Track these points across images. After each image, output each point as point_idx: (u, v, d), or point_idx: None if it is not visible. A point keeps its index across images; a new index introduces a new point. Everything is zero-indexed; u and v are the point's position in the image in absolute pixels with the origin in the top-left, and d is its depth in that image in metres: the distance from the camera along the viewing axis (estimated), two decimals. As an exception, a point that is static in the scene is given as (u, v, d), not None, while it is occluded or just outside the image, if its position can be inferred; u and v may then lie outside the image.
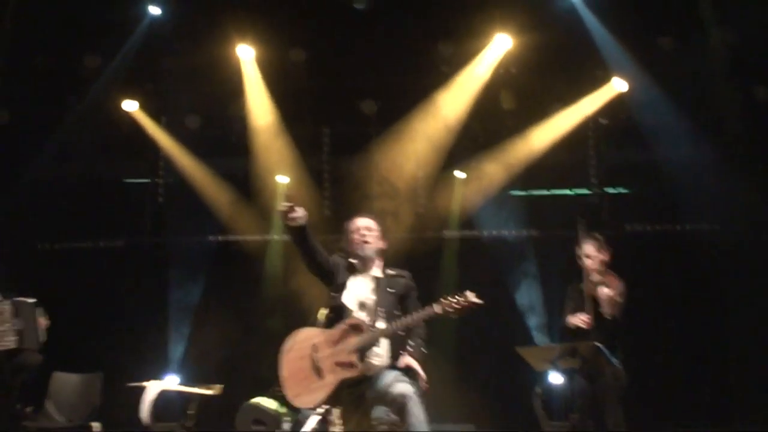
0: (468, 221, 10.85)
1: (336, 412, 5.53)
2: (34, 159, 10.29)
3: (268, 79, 10.20)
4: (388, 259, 5.74)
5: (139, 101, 10.38)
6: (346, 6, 9.82)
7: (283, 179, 10.61)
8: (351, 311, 5.39)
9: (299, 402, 5.38)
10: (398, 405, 5.10)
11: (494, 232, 10.81)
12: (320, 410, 7.90)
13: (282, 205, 5.25)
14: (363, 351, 5.25)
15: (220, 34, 9.82)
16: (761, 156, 9.66)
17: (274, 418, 8.73)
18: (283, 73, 10.21)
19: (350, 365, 5.18)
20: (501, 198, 10.53)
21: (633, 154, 10.57)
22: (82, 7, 9.78)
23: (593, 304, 6.58)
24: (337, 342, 5.25)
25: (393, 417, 5.19)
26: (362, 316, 5.37)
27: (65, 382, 7.59)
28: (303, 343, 5.34)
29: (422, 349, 5.44)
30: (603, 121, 10.36)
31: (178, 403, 8.09)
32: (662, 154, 10.02)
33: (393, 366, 5.34)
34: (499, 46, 9.73)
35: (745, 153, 9.81)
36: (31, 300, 7.91)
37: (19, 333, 7.67)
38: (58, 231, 10.90)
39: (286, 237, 10.37)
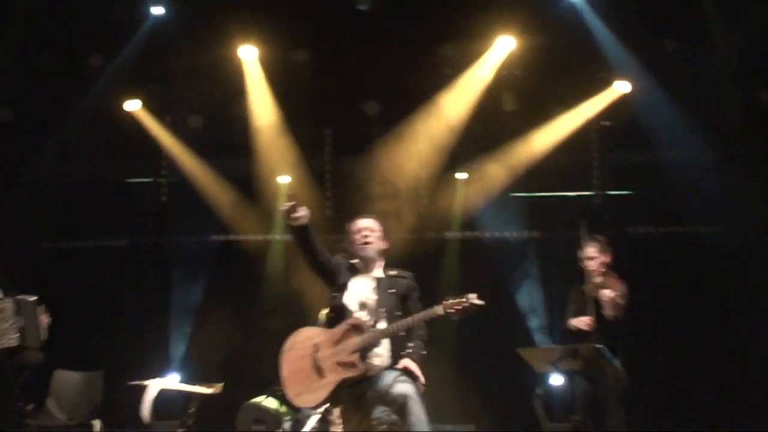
0: (470, 222, 10.85)
1: (336, 412, 5.54)
2: (37, 158, 10.29)
3: (271, 80, 10.19)
4: (390, 259, 5.74)
5: (142, 101, 10.39)
6: (349, 7, 9.83)
7: (284, 179, 10.62)
8: (352, 311, 5.39)
9: (300, 401, 5.38)
10: (399, 405, 5.10)
11: (496, 234, 10.81)
12: (321, 410, 7.96)
13: (284, 204, 5.26)
14: (364, 351, 5.26)
15: (222, 34, 9.82)
16: (764, 158, 9.65)
17: (275, 418, 8.73)
18: (286, 73, 10.21)
19: (351, 365, 5.19)
20: (503, 199, 10.53)
21: (635, 156, 10.58)
22: (85, 6, 9.79)
23: (595, 306, 6.58)
24: (338, 342, 5.26)
25: (393, 417, 5.19)
26: (363, 316, 5.37)
27: (66, 380, 7.60)
28: (304, 343, 5.35)
29: (422, 351, 5.43)
30: (606, 123, 10.36)
31: (179, 401, 8.10)
32: (665, 156, 10.02)
33: (393, 366, 5.33)
34: (501, 48, 9.73)
35: (747, 155, 9.82)
36: (32, 298, 7.92)
37: (21, 331, 7.68)
38: (60, 230, 10.91)
39: (287, 237, 10.40)
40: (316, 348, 5.28)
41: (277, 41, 9.95)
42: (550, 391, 7.87)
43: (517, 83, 10.10)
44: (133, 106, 10.35)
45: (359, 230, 5.62)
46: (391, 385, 5.15)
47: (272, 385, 8.43)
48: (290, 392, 5.34)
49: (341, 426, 5.49)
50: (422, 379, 5.27)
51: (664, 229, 10.54)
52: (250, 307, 10.54)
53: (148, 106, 10.45)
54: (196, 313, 10.68)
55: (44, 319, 8.01)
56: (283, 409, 8.67)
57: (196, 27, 9.98)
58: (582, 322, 6.59)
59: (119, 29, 10.02)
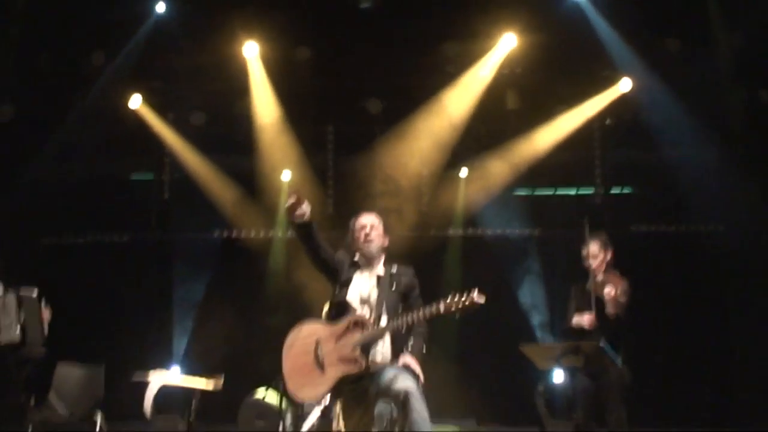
0: (472, 220, 10.88)
1: (338, 408, 5.55)
2: (39, 155, 10.31)
3: (273, 78, 10.21)
4: (392, 257, 5.75)
5: (144, 98, 10.40)
6: (352, 5, 9.85)
7: (286, 176, 10.65)
8: (354, 307, 5.40)
9: (301, 395, 5.40)
10: (400, 400, 5.11)
11: (498, 231, 10.83)
12: (322, 406, 7.97)
13: (288, 200, 5.27)
14: (366, 347, 5.27)
15: (224, 32, 9.84)
16: (765, 158, 9.66)
17: (277, 414, 8.76)
18: (288, 71, 10.22)
19: (353, 361, 5.20)
20: (505, 197, 10.55)
21: (637, 155, 10.59)
22: (87, 4, 9.81)
23: (597, 304, 6.59)
24: (340, 337, 5.27)
25: (395, 412, 5.20)
26: (365, 312, 5.39)
27: (68, 373, 7.61)
28: (307, 338, 5.36)
29: (422, 348, 5.43)
30: (608, 121, 10.37)
31: (180, 396, 8.11)
32: (666, 154, 10.04)
33: (394, 363, 5.35)
34: (504, 46, 9.74)
35: (748, 155, 9.83)
36: (34, 293, 7.94)
37: (23, 326, 7.71)
38: (63, 226, 10.94)
39: (290, 234, 10.43)
40: (319, 343, 5.30)
41: (280, 39, 9.97)
42: (551, 388, 7.89)
43: (519, 81, 10.12)
44: (135, 103, 10.36)
45: (361, 226, 5.62)
46: (392, 381, 5.16)
47: (274, 379, 8.46)
48: (291, 386, 5.36)
49: (342, 421, 5.50)
50: (422, 376, 5.27)
51: (665, 227, 10.56)
52: (252, 304, 10.57)
53: (150, 103, 10.47)
54: (198, 308, 10.72)
55: (46, 314, 8.03)
56: (285, 404, 8.70)
57: (197, 25, 9.99)
58: (583, 319, 6.60)
59: (121, 27, 10.04)
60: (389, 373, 5.23)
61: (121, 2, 9.92)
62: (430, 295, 5.44)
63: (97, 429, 7.13)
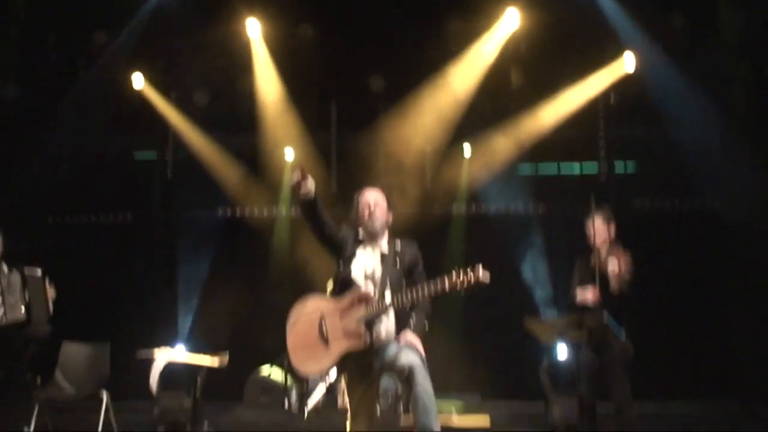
0: (475, 196, 10.88)
1: (342, 383, 5.56)
2: (44, 134, 10.32)
3: (276, 56, 10.19)
4: (396, 233, 5.74)
5: (147, 77, 10.39)
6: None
7: (289, 155, 10.66)
8: (359, 283, 5.40)
9: (305, 369, 5.39)
10: (405, 375, 5.12)
11: (501, 207, 10.83)
12: (327, 382, 8.01)
13: (293, 176, 5.26)
14: (370, 322, 5.27)
15: (227, 10, 9.83)
16: (770, 134, 9.66)
17: (282, 390, 8.80)
18: (291, 49, 10.21)
19: (358, 336, 5.20)
20: (509, 173, 10.54)
21: (642, 131, 10.56)
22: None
23: (600, 279, 6.59)
24: (345, 312, 5.27)
25: (400, 388, 5.22)
26: (369, 288, 5.38)
27: (74, 352, 7.64)
28: (311, 313, 5.36)
29: (424, 325, 5.43)
30: (613, 97, 10.34)
31: (186, 373, 8.15)
32: (671, 131, 10.01)
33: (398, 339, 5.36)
34: (508, 22, 9.69)
35: (754, 131, 9.81)
36: (38, 272, 7.96)
37: (28, 305, 7.75)
38: (67, 206, 10.96)
39: (293, 211, 10.45)
40: (323, 318, 5.30)
41: (283, 17, 9.95)
42: (556, 363, 7.92)
43: (523, 57, 10.07)
44: (138, 83, 10.35)
45: (365, 202, 5.59)
46: (397, 356, 5.17)
47: (279, 355, 8.51)
48: (296, 360, 5.35)
49: (347, 397, 5.52)
50: (423, 353, 5.27)
51: (669, 203, 10.55)
52: (256, 281, 10.61)
53: (153, 82, 10.46)
54: (202, 287, 10.75)
55: (51, 293, 8.06)
56: (290, 380, 8.74)
57: (199, 3, 9.97)
58: (587, 294, 6.59)
59: (126, 5, 10.03)
60: (394, 349, 5.23)
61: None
62: (434, 271, 5.43)
63: (103, 407, 7.15)
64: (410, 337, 5.30)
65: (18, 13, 10.21)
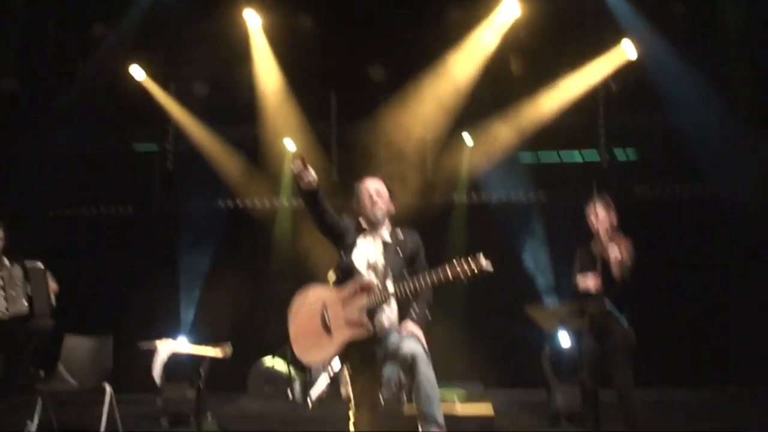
0: (476, 185, 10.87)
1: (345, 373, 5.57)
2: (43, 127, 10.32)
3: (276, 46, 10.18)
4: (397, 222, 5.74)
5: (147, 69, 10.38)
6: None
7: (290, 145, 10.65)
8: (360, 272, 5.40)
9: (308, 358, 5.41)
10: (408, 364, 5.13)
11: (503, 196, 10.83)
12: (330, 371, 8.01)
13: (295, 165, 5.25)
14: (372, 311, 5.27)
15: (226, 0, 9.80)
16: (772, 119, 9.65)
17: (286, 379, 8.82)
18: (290, 39, 10.19)
19: (360, 324, 5.21)
20: (510, 162, 10.53)
21: (642, 117, 10.54)
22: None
23: (602, 266, 6.59)
24: (347, 301, 5.27)
25: (403, 376, 5.22)
26: (371, 277, 5.38)
27: (77, 345, 7.64)
28: (313, 302, 5.37)
29: (426, 314, 5.44)
30: (613, 84, 10.31)
31: (189, 364, 8.17)
32: (672, 117, 10.00)
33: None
34: (508, 10, 9.67)
35: (754, 117, 9.79)
36: (40, 265, 7.97)
37: (30, 298, 7.76)
38: (68, 199, 10.97)
39: (295, 202, 10.45)
40: (325, 307, 5.31)
41: (281, 6, 9.94)
42: (557, 350, 7.92)
43: (524, 45, 10.05)
44: (139, 74, 10.34)
45: (367, 191, 5.59)
46: (399, 345, 5.18)
47: (281, 346, 8.52)
48: (298, 350, 5.37)
49: (350, 386, 5.52)
50: (424, 342, 5.27)
51: (670, 190, 10.55)
52: (258, 271, 10.61)
53: (152, 73, 10.45)
54: (204, 279, 10.76)
55: (53, 286, 8.07)
56: (294, 370, 8.76)
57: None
58: (589, 281, 6.59)
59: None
60: (396, 338, 5.24)
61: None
62: (435, 260, 5.43)
63: (106, 400, 7.16)
64: (412, 326, 5.30)
65: (17, 6, 10.19)
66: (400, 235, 5.57)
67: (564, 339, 7.87)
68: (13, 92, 10.32)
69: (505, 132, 10.24)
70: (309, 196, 5.34)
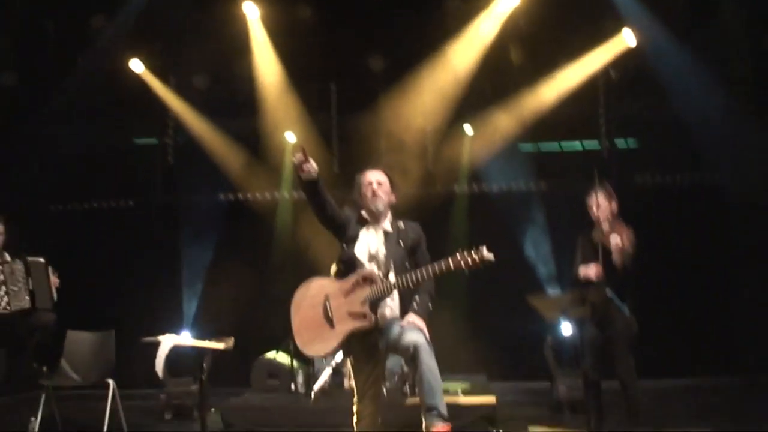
0: (477, 175, 10.86)
1: (348, 365, 5.56)
2: (43, 121, 10.31)
3: (275, 37, 10.15)
4: (398, 213, 5.73)
5: (146, 62, 10.36)
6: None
7: (291, 137, 10.64)
8: (362, 263, 5.40)
9: (310, 350, 5.40)
10: (410, 355, 5.12)
11: (503, 185, 10.82)
12: (333, 363, 8.02)
13: (296, 156, 5.24)
14: (375, 302, 5.26)
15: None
16: (772, 107, 9.63)
17: (289, 372, 8.83)
18: (290, 30, 10.16)
19: (362, 316, 5.20)
20: (510, 151, 10.52)
21: (643, 106, 10.52)
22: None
23: (603, 254, 6.58)
24: (349, 292, 5.27)
25: (405, 367, 5.21)
26: (373, 268, 5.37)
27: (79, 340, 7.64)
28: (315, 294, 5.36)
29: (428, 305, 5.42)
30: (613, 72, 10.29)
31: (191, 358, 8.17)
32: (673, 105, 9.98)
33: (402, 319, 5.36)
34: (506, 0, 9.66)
35: (756, 105, 9.77)
36: (41, 259, 7.96)
37: (32, 292, 7.75)
38: (69, 193, 10.96)
39: (296, 194, 10.44)
40: (328, 298, 5.30)
41: (280, -2, 9.91)
42: (560, 340, 7.93)
43: (523, 34, 10.02)
44: (137, 67, 10.33)
45: (368, 182, 5.57)
46: (401, 336, 5.17)
47: (284, 339, 8.52)
48: (301, 342, 5.36)
49: (353, 377, 5.52)
50: (427, 334, 5.26)
51: (670, 178, 10.54)
52: (259, 264, 10.61)
53: (152, 66, 10.43)
54: (206, 271, 10.76)
55: (54, 281, 8.06)
56: (296, 363, 8.76)
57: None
58: (590, 269, 6.59)
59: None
60: (398, 329, 5.23)
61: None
62: (437, 251, 5.42)
63: (110, 395, 7.16)
64: (414, 318, 5.29)
65: (16, 0, 10.18)
66: (402, 226, 5.56)
67: (566, 328, 7.88)
68: (12, 87, 10.30)
69: (505, 122, 10.22)
70: (310, 188, 5.33)
